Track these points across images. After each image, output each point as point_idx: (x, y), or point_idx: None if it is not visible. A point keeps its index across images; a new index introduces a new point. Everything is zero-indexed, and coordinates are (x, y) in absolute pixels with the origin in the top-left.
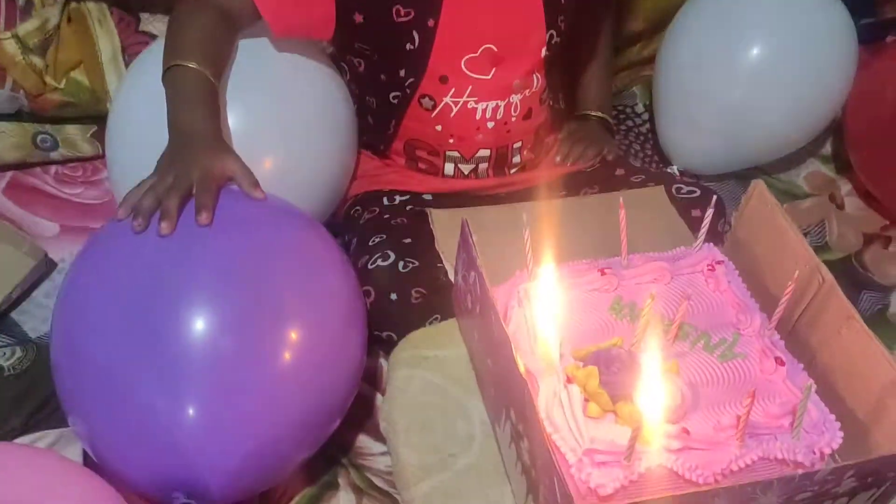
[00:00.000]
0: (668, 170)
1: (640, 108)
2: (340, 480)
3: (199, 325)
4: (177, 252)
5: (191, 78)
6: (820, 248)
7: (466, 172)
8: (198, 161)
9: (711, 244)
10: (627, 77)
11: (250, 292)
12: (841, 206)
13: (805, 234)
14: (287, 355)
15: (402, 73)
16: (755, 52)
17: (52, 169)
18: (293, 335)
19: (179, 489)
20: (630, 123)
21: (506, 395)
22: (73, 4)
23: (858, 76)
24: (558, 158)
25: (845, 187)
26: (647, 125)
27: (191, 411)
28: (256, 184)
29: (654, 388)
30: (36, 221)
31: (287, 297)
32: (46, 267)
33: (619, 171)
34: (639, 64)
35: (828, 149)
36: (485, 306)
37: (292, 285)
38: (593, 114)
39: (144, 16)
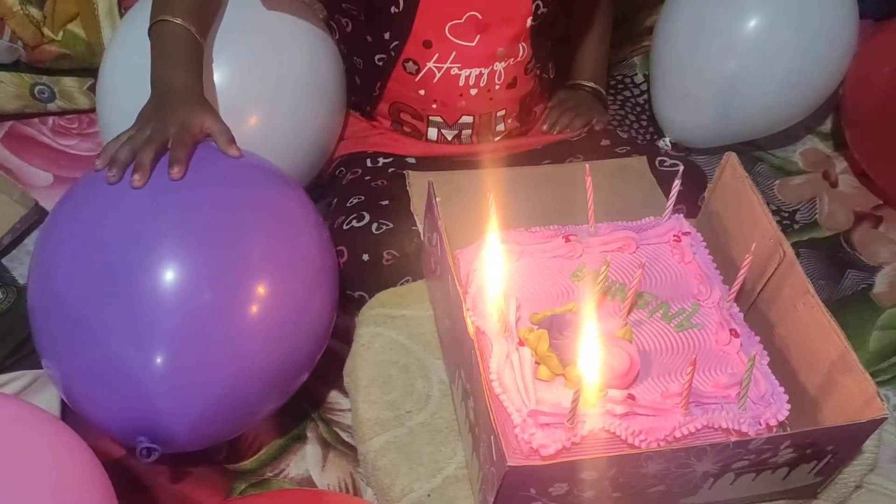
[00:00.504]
0: (661, 141)
1: (638, 78)
2: (309, 433)
3: (168, 275)
4: (147, 204)
5: (175, 33)
6: (809, 225)
7: (450, 138)
8: (176, 116)
9: (680, 215)
10: (629, 47)
11: (218, 246)
12: (834, 184)
13: (795, 211)
14: (254, 308)
15: (388, 35)
16: (752, 23)
17: (49, 120)
18: (261, 289)
19: (144, 434)
20: (627, 94)
21: (458, 354)
22: None
23: (859, 51)
24: (545, 127)
25: (841, 165)
26: (645, 96)
27: (157, 359)
28: (232, 141)
29: (600, 353)
30: (31, 171)
31: (255, 251)
32: (37, 215)
33: (605, 142)
34: (640, 34)
35: (827, 125)
36: (444, 267)
37: (261, 240)
38: (586, 84)
39: None
